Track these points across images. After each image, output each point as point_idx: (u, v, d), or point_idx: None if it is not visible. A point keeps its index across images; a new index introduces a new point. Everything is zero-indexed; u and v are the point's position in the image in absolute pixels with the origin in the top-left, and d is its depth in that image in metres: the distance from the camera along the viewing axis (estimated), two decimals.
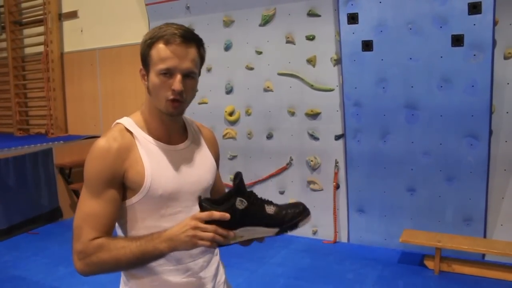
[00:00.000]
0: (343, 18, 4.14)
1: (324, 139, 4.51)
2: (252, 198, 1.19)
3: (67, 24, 6.34)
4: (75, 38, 6.27)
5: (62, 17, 6.31)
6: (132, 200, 1.28)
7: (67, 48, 6.39)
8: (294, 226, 1.24)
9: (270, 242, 4.41)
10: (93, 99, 6.22)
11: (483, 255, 3.95)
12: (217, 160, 1.50)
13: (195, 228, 1.14)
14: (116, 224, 1.33)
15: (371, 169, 4.24)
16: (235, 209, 1.16)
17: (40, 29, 6.31)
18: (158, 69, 1.23)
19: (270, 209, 1.21)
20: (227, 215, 1.14)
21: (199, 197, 1.20)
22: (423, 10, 3.83)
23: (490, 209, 3.92)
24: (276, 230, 1.22)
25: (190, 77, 1.27)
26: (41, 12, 6.25)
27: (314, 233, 4.63)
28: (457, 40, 3.75)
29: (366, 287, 3.54)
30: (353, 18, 4.10)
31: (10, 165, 5.00)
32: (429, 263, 3.85)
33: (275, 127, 4.73)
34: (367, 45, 4.08)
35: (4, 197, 4.93)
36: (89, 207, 1.23)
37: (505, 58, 3.78)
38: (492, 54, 3.67)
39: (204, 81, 5.15)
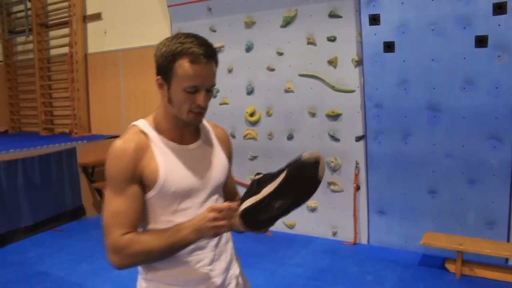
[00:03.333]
0: (365, 19, 4.13)
1: (344, 140, 4.50)
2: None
3: (91, 26, 6.46)
4: (99, 39, 6.39)
5: (86, 19, 6.44)
6: (147, 196, 1.35)
7: (91, 49, 6.51)
8: (298, 160, 1.29)
9: (290, 243, 4.44)
10: (115, 99, 6.32)
11: (506, 260, 3.88)
12: (229, 158, 1.56)
13: (214, 219, 1.23)
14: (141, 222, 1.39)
15: (392, 171, 4.21)
16: (253, 180, 1.32)
17: (65, 31, 6.44)
18: (184, 86, 1.30)
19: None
20: (233, 205, 1.25)
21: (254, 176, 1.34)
22: (446, 11, 3.80)
23: None
24: (284, 173, 1.27)
25: (211, 90, 1.36)
26: (66, 14, 6.39)
27: (334, 234, 4.62)
28: (481, 41, 3.71)
29: None
30: (374, 19, 4.08)
31: (36, 164, 5.12)
32: (450, 267, 3.81)
33: (296, 128, 4.74)
34: (388, 46, 4.06)
35: (30, 195, 5.06)
36: (114, 205, 1.31)
37: None
38: None
39: (225, 81, 5.24)
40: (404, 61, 4.03)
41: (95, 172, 5.75)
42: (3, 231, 4.80)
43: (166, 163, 1.35)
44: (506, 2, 3.55)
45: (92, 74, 6.53)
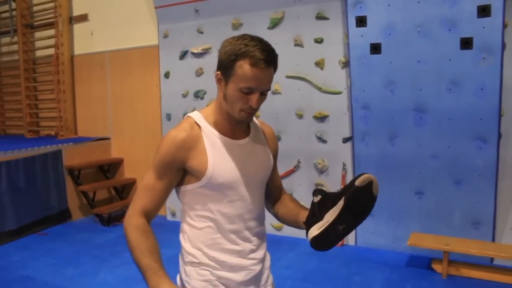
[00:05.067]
0: (352, 21, 4.14)
1: (332, 142, 4.51)
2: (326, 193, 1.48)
3: (77, 27, 6.40)
4: (85, 40, 6.33)
5: (72, 20, 6.38)
6: (195, 186, 1.44)
7: (77, 50, 6.45)
8: (353, 185, 1.40)
9: (277, 245, 4.43)
10: (102, 101, 6.26)
11: (492, 259, 3.92)
12: (275, 155, 1.65)
13: None
14: (185, 206, 1.50)
15: (379, 172, 4.23)
16: (314, 203, 1.47)
17: (51, 32, 6.37)
18: (240, 86, 1.37)
19: (336, 192, 1.46)
20: None
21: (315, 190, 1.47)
22: (432, 13, 3.83)
23: (499, 212, 3.89)
24: (342, 199, 1.40)
25: (265, 93, 1.42)
26: (52, 15, 6.32)
27: None
28: (466, 43, 3.74)
29: None
30: (361, 21, 4.10)
31: (20, 166, 5.05)
32: (437, 267, 3.83)
33: (283, 130, 4.74)
34: (375, 48, 4.09)
35: (14, 198, 4.98)
36: (150, 182, 1.45)
37: None
38: (502, 57, 3.66)
39: (212, 83, 5.16)
40: (390, 62, 4.06)
41: (81, 175, 5.69)
42: None
43: (216, 155, 1.43)
44: (490, 5, 3.59)
45: (79, 75, 6.47)
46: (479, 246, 3.75)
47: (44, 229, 5.26)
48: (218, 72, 1.42)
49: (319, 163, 4.56)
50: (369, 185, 1.41)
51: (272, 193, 1.67)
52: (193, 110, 1.60)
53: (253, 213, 1.51)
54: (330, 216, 1.42)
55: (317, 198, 1.48)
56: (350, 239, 4.49)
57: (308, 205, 1.50)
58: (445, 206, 4.05)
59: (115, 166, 6.19)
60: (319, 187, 1.47)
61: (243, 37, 1.39)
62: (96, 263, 4.22)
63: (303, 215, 1.57)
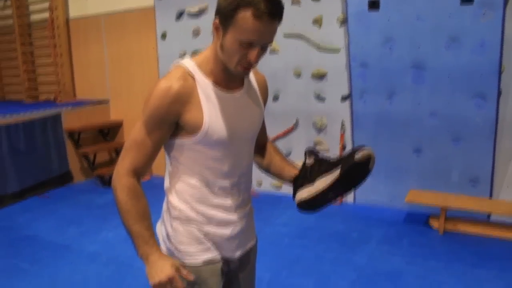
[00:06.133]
0: None
1: (330, 100, 4.49)
2: (319, 156, 1.50)
3: None
4: (80, 3, 6.22)
5: None
6: (187, 141, 1.36)
7: (72, 13, 6.34)
8: (352, 159, 1.40)
9: (276, 203, 4.48)
10: (99, 64, 6.21)
11: (489, 216, 3.97)
12: (264, 104, 1.58)
13: (170, 279, 1.32)
14: (173, 161, 1.43)
15: (377, 130, 4.23)
16: (306, 166, 1.49)
17: None
18: (240, 39, 1.25)
19: (332, 159, 1.47)
20: (190, 277, 1.37)
21: (307, 149, 1.46)
22: None
23: (496, 170, 3.91)
24: (338, 170, 1.41)
25: (265, 48, 1.31)
26: None
27: None
28: None
29: (370, 245, 3.59)
30: None
31: (20, 130, 5.06)
32: (434, 223, 3.88)
33: (281, 89, 4.71)
34: (373, 4, 4.01)
35: (16, 162, 5.02)
36: (139, 137, 1.35)
37: None
38: (504, 12, 3.59)
39: (209, 43, 5.09)
40: (388, 19, 4.00)
41: (81, 138, 5.71)
42: None
43: (211, 109, 1.34)
44: None
45: (75, 39, 6.39)
46: (476, 203, 3.79)
47: (46, 192, 5.32)
48: (216, 20, 1.28)
49: (318, 122, 4.55)
50: (367, 161, 1.42)
51: (257, 141, 1.59)
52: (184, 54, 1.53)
53: (244, 168, 1.47)
54: (322, 183, 1.43)
55: (310, 162, 1.49)
56: (348, 196, 4.53)
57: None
58: (443, 163, 4.07)
59: (115, 129, 6.20)
60: (313, 147, 1.46)
61: None
62: (98, 222, 4.29)
63: (288, 172, 1.57)
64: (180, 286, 1.33)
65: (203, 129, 1.32)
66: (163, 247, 1.48)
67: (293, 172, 1.56)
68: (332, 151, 4.52)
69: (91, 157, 5.71)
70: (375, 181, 4.32)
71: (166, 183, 1.47)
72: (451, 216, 3.85)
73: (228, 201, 1.44)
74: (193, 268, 1.40)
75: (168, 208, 1.47)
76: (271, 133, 4.70)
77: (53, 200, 5.10)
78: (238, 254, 1.52)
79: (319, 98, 4.54)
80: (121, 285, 3.16)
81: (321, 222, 4.07)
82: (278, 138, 4.76)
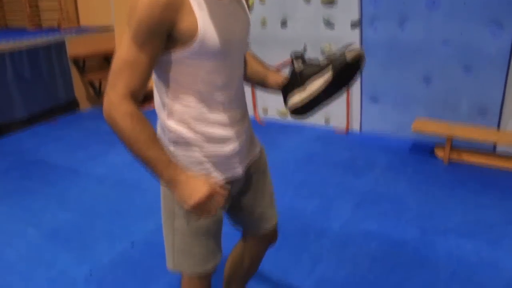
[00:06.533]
0: None
1: (339, 27, 4.35)
2: (307, 59, 1.46)
3: None
4: None
5: None
6: (181, 54, 1.24)
7: None
8: (343, 59, 1.36)
9: (282, 131, 4.49)
10: None
11: (494, 147, 3.95)
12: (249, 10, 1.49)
13: (209, 196, 1.23)
14: (165, 81, 1.31)
15: (387, 58, 4.13)
16: (295, 71, 1.45)
17: None
18: None
19: (320, 61, 1.43)
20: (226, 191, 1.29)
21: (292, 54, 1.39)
22: None
23: (506, 101, 3.84)
24: (329, 72, 1.38)
25: None
26: None
27: (326, 122, 4.66)
28: None
29: (375, 172, 3.62)
30: None
31: (24, 57, 5.01)
32: (439, 153, 3.88)
33: (290, 15, 4.57)
34: None
35: (21, 88, 5.01)
36: (130, 55, 1.19)
37: None
38: None
39: None
40: None
41: (86, 65, 5.65)
42: None
43: (205, 17, 1.22)
44: None
45: None
46: (483, 133, 3.76)
47: (53, 119, 5.35)
48: None
49: (326, 47, 4.44)
50: (359, 60, 1.38)
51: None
52: None
53: (239, 79, 1.41)
54: (313, 86, 1.40)
55: (298, 66, 1.45)
56: (355, 125, 4.52)
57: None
58: (453, 93, 4.00)
59: None
60: (299, 51, 1.42)
61: None
62: (105, 147, 4.33)
63: (273, 78, 1.54)
64: (221, 202, 1.27)
65: (199, 37, 1.21)
66: None
67: (277, 78, 1.53)
68: None
69: (97, 84, 5.69)
70: (382, 109, 4.30)
71: (158, 107, 1.38)
72: (457, 146, 3.84)
73: (226, 117, 1.37)
74: None
75: (163, 132, 1.39)
76: (279, 59, 4.64)
77: (60, 126, 5.14)
78: (241, 171, 1.49)
79: (328, 24, 4.40)
80: (128, 205, 3.24)
81: (327, 150, 4.09)
82: (286, 64, 4.67)
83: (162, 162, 1.22)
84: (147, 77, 1.22)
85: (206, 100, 1.32)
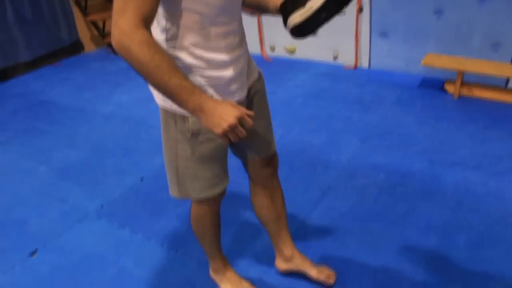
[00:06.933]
0: None
1: None
2: None
3: None
4: None
5: None
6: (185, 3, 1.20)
7: None
8: None
9: (290, 68, 4.43)
10: None
11: (507, 82, 3.87)
12: None
13: (239, 118, 1.19)
14: (161, 5, 1.23)
15: None
16: None
17: None
18: None
19: None
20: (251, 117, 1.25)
21: None
22: None
23: None
24: None
25: None
26: None
27: (335, 58, 4.57)
28: None
29: (383, 107, 3.58)
30: None
31: None
32: (449, 88, 3.81)
33: None
34: None
35: (24, 31, 4.93)
36: None
37: None
38: None
39: None
40: None
41: (88, 5, 5.53)
42: (2, 66, 4.80)
43: None
44: None
45: None
46: (496, 67, 3.66)
47: (58, 61, 5.30)
48: None
49: None
50: None
51: None
52: None
53: (237, 3, 1.35)
54: (314, 3, 1.35)
55: None
56: (363, 61, 4.43)
57: None
58: (465, 26, 3.87)
59: None
60: None
61: None
62: (111, 87, 4.32)
63: (274, 2, 1.47)
64: (250, 123, 1.24)
65: None
66: (161, 102, 1.39)
67: (278, 1, 1.48)
68: (348, 14, 4.28)
69: (100, 24, 5.58)
70: (391, 44, 4.19)
71: (156, 33, 1.31)
72: (468, 81, 3.77)
73: (225, 42, 1.33)
74: (196, 119, 1.31)
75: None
76: None
77: (65, 68, 5.11)
78: (243, 95, 1.46)
79: None
80: (136, 141, 3.26)
81: (335, 85, 4.04)
82: None
83: (187, 89, 1.16)
84: (157, 3, 1.15)
85: (205, 25, 1.27)
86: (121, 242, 2.31)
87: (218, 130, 1.19)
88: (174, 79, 1.14)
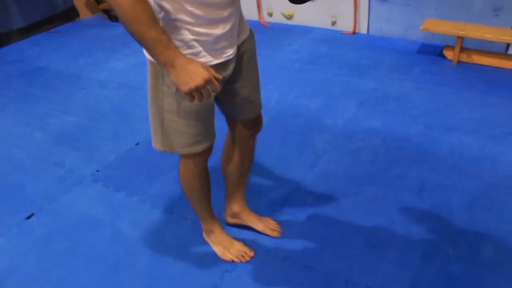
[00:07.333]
0: None
1: None
2: None
3: None
4: None
5: None
6: None
7: None
8: None
9: (288, 33, 4.37)
10: None
11: (507, 48, 3.81)
12: None
13: (207, 81, 1.22)
14: None
15: None
16: None
17: None
18: None
19: None
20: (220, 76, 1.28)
21: None
22: None
23: None
24: None
25: None
26: None
27: (333, 24, 4.50)
28: None
29: (380, 72, 3.55)
30: None
31: None
32: (448, 53, 3.77)
33: None
34: None
35: None
36: None
37: None
38: None
39: None
40: None
41: None
42: None
43: None
44: None
45: None
46: (496, 32, 3.60)
47: (53, 27, 5.22)
48: None
49: None
50: None
51: None
52: None
53: None
54: None
55: None
56: (362, 27, 4.36)
57: None
58: None
59: None
60: None
61: None
62: (106, 53, 4.27)
63: None
64: (218, 87, 1.27)
65: None
66: (150, 56, 1.36)
67: None
68: None
69: None
70: (390, 9, 4.12)
71: None
72: (468, 47, 3.71)
73: (216, 0, 1.30)
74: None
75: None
76: None
77: (60, 34, 5.03)
78: (232, 52, 1.43)
79: None
80: (131, 106, 3.25)
81: (333, 50, 3.99)
82: None
83: (162, 43, 1.19)
84: None
85: None
86: (117, 205, 2.32)
87: (184, 88, 1.23)
88: (151, 31, 1.16)
